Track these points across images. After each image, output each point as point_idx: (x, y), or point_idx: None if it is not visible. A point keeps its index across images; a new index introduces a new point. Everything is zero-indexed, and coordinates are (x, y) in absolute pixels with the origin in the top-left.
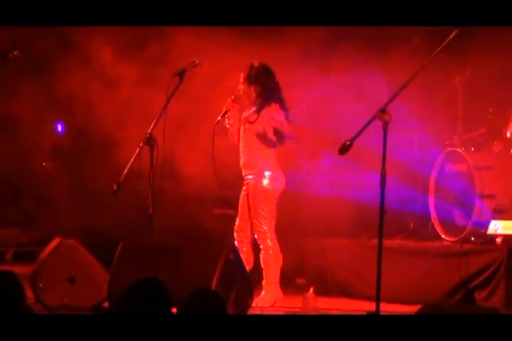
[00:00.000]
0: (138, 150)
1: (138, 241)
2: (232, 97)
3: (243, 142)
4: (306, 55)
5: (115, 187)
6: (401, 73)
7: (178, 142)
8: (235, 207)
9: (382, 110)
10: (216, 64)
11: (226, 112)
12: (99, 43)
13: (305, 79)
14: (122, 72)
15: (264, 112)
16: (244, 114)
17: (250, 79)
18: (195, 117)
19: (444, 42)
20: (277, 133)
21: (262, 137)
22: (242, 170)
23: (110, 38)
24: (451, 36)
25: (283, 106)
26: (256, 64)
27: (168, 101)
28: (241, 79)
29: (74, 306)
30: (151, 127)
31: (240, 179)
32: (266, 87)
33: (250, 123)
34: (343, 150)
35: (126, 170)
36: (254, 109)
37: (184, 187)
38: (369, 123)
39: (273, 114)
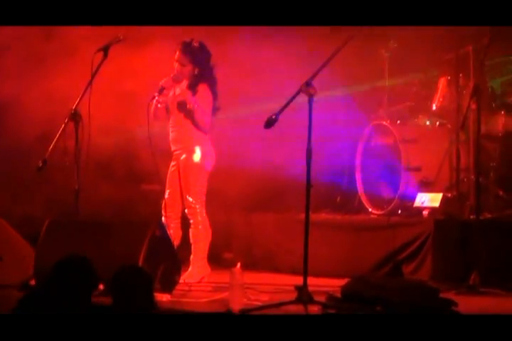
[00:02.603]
0: (63, 126)
1: (64, 218)
2: (172, 75)
3: (174, 118)
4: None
5: (40, 163)
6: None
7: (105, 117)
8: (162, 182)
9: (308, 84)
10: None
11: (163, 89)
12: None
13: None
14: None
15: (197, 97)
16: (173, 90)
17: (187, 58)
18: (120, 91)
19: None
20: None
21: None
22: (172, 145)
23: None
24: None
25: (213, 89)
26: (194, 43)
27: (93, 77)
28: (176, 57)
29: (1, 284)
30: (76, 103)
31: (164, 154)
32: (203, 67)
33: (183, 108)
34: (269, 124)
35: (51, 146)
36: (185, 88)
37: (111, 163)
38: (294, 97)
39: (199, 101)
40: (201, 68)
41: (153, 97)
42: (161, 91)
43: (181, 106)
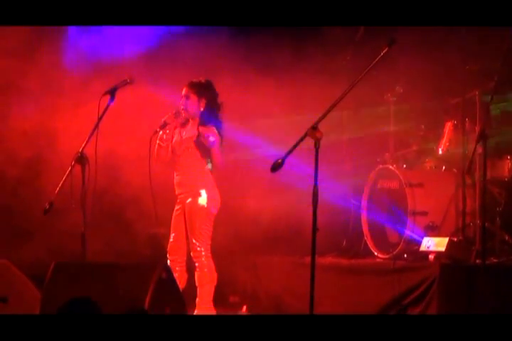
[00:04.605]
0: (69, 168)
1: (70, 260)
2: (174, 111)
3: (180, 161)
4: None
5: (47, 206)
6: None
7: (110, 158)
8: (168, 225)
9: (314, 128)
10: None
11: (165, 125)
12: None
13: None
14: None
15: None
16: (179, 134)
17: (193, 90)
18: (127, 133)
19: (375, 60)
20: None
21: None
22: (176, 189)
23: None
24: (382, 53)
25: (220, 130)
26: (202, 80)
27: (100, 119)
28: (183, 93)
29: None
30: (83, 145)
31: (169, 197)
32: (211, 104)
33: (201, 144)
34: (275, 167)
35: (57, 188)
36: (194, 131)
37: (117, 205)
38: (300, 140)
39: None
40: (208, 100)
41: (156, 132)
42: (163, 126)
43: (199, 141)
